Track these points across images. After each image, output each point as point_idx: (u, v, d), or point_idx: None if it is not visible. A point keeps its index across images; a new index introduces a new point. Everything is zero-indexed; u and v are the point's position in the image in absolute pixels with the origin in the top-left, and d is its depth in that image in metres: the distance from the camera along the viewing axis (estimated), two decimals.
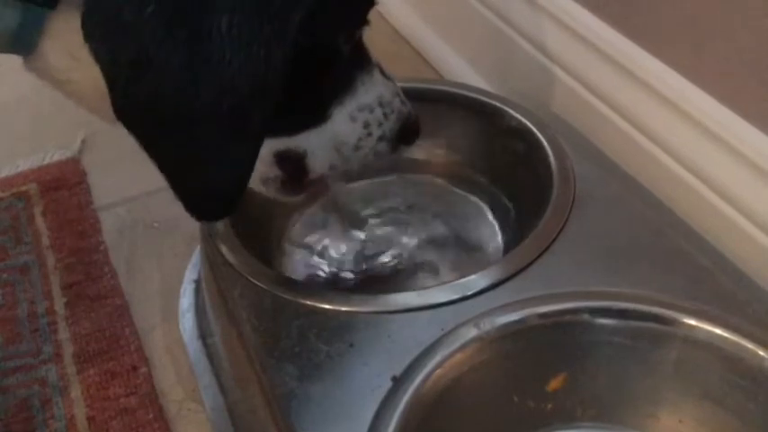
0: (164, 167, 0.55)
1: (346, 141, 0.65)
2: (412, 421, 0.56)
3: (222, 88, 0.51)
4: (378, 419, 0.56)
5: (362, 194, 0.87)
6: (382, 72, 0.67)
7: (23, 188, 1.02)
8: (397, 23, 1.27)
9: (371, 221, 0.84)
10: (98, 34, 0.50)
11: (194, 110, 0.51)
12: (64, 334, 0.83)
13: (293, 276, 0.79)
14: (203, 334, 0.80)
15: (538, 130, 0.79)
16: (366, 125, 0.65)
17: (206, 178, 0.56)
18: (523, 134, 0.80)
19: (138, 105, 0.51)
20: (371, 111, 0.65)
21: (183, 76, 0.50)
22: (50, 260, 0.92)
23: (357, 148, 0.66)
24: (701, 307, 0.61)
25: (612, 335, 0.62)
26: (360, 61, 0.65)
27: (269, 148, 0.63)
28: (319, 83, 0.62)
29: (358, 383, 0.58)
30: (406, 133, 0.69)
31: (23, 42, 0.55)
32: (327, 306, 0.64)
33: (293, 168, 0.65)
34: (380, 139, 0.67)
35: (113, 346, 0.82)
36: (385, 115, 0.66)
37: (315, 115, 0.63)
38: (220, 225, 0.72)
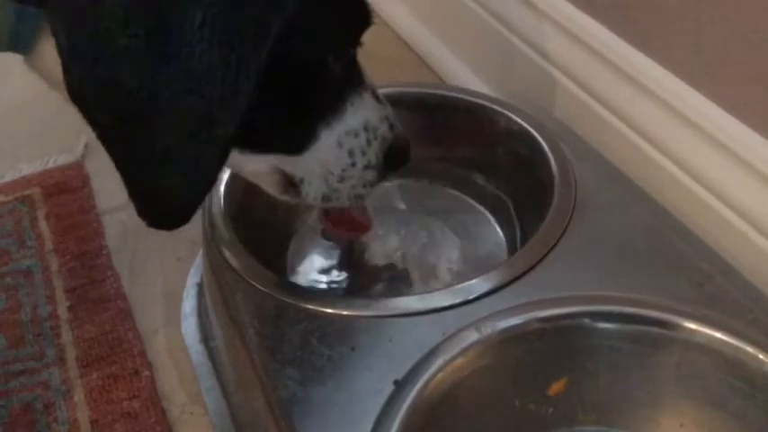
0: (119, 164, 0.52)
1: (332, 171, 0.63)
2: (414, 425, 0.56)
3: (187, 87, 0.48)
4: (379, 423, 0.56)
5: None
6: (375, 95, 0.64)
7: (27, 192, 1.03)
8: (399, 28, 1.28)
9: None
10: (59, 18, 0.48)
11: (154, 106, 0.48)
12: (67, 337, 0.83)
13: (295, 280, 0.79)
14: (206, 337, 0.80)
15: (539, 134, 0.79)
16: (351, 153, 0.63)
17: (161, 182, 0.52)
18: (525, 138, 0.81)
19: (93, 92, 0.49)
20: (356, 135, 0.62)
21: (145, 67, 0.47)
22: (54, 264, 0.92)
23: (342, 179, 0.63)
24: (702, 311, 0.61)
25: (613, 339, 0.62)
26: (351, 81, 0.62)
27: (266, 163, 0.62)
28: (306, 100, 0.60)
29: (360, 387, 0.59)
30: (392, 159, 0.66)
31: (21, 41, 0.55)
32: (329, 310, 0.64)
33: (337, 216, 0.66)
34: (366, 167, 0.64)
35: (116, 349, 0.82)
36: (368, 142, 0.63)
37: (303, 135, 0.61)
38: (223, 229, 0.72)
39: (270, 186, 0.66)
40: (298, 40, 0.54)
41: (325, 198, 0.65)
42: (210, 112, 0.49)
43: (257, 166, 0.64)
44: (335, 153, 0.62)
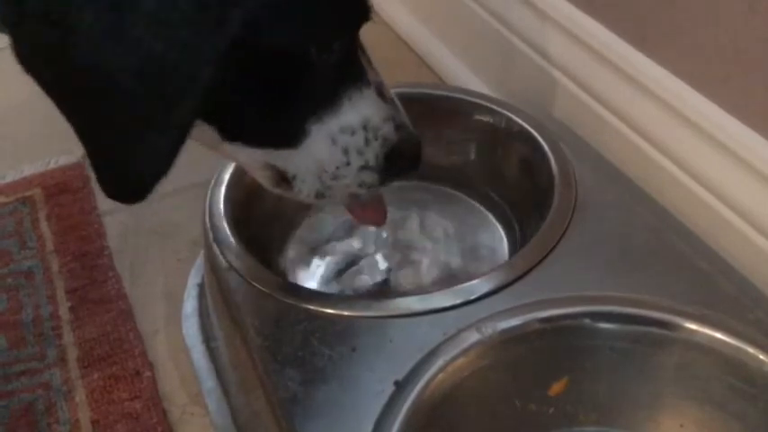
0: (79, 133, 0.51)
1: (326, 169, 0.60)
2: (414, 425, 0.56)
3: (140, 68, 0.47)
4: (380, 424, 0.56)
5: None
6: (381, 94, 0.61)
7: (28, 193, 1.03)
8: (399, 28, 1.28)
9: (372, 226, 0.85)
10: None
11: (107, 84, 0.47)
12: (68, 338, 0.83)
13: (297, 281, 0.79)
14: (207, 338, 0.80)
15: (539, 134, 0.80)
16: (345, 151, 0.60)
17: (117, 158, 0.52)
18: (525, 139, 0.81)
19: (43, 62, 0.47)
20: (353, 133, 0.59)
21: (97, 42, 0.46)
22: (55, 265, 0.92)
23: (336, 177, 0.61)
24: (702, 311, 0.62)
25: (614, 339, 0.62)
26: (350, 76, 0.59)
27: (257, 157, 0.61)
28: (288, 92, 0.57)
29: (361, 387, 0.59)
30: (396, 164, 0.62)
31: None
32: (330, 310, 0.64)
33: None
34: (363, 168, 0.61)
35: (117, 350, 0.82)
36: (366, 141, 0.60)
37: (290, 129, 0.59)
38: (224, 230, 0.72)
39: (262, 179, 0.64)
40: (274, 28, 0.52)
41: (319, 195, 0.62)
42: (166, 96, 0.48)
43: (248, 159, 0.62)
44: (329, 150, 0.59)
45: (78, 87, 0.49)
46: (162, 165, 0.52)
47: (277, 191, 0.64)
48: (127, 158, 0.52)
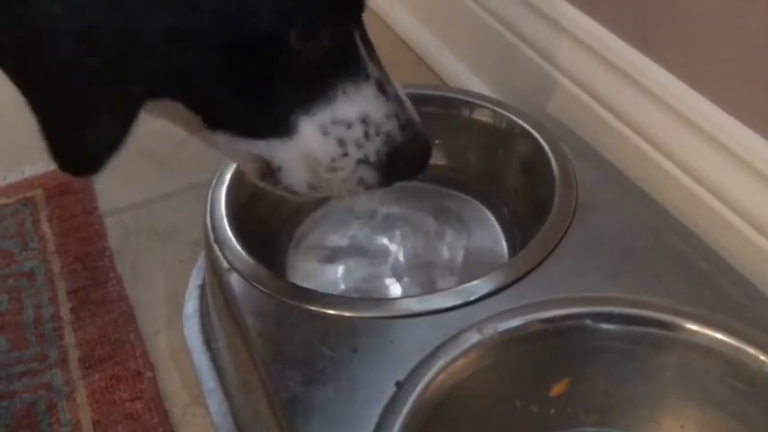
0: (31, 104, 0.51)
1: (320, 160, 0.58)
2: (415, 426, 0.56)
3: (83, 37, 0.47)
4: (381, 424, 0.56)
5: (363, 200, 0.87)
6: (382, 89, 0.59)
7: (29, 194, 1.03)
8: (399, 28, 1.28)
9: (372, 227, 0.85)
10: None
11: (52, 54, 0.47)
12: (69, 339, 0.84)
13: (298, 281, 0.79)
14: (208, 339, 0.80)
15: (540, 134, 0.80)
16: (341, 143, 0.58)
17: (64, 132, 0.51)
18: (526, 140, 0.81)
19: None
20: (349, 126, 0.57)
21: (43, 10, 0.46)
22: (56, 266, 0.92)
23: (332, 169, 0.59)
24: (703, 312, 0.62)
25: (614, 340, 0.62)
26: (348, 68, 0.57)
27: (243, 147, 0.59)
28: (272, 80, 0.55)
29: (362, 388, 0.59)
30: (399, 163, 0.60)
31: None
32: (331, 311, 0.64)
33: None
34: (362, 162, 0.59)
35: (118, 351, 0.82)
36: (366, 135, 0.58)
37: (275, 119, 0.56)
38: (225, 230, 0.72)
39: (248, 173, 0.63)
40: (248, 9, 0.50)
41: (311, 187, 0.60)
42: (112, 69, 0.48)
43: (231, 148, 0.60)
44: (321, 141, 0.57)
45: (26, 56, 0.48)
46: (111, 141, 0.51)
47: (262, 184, 0.63)
48: (73, 133, 0.51)
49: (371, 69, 0.59)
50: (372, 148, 0.59)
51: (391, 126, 0.59)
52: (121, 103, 0.51)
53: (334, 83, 0.57)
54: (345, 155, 0.58)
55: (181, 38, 0.50)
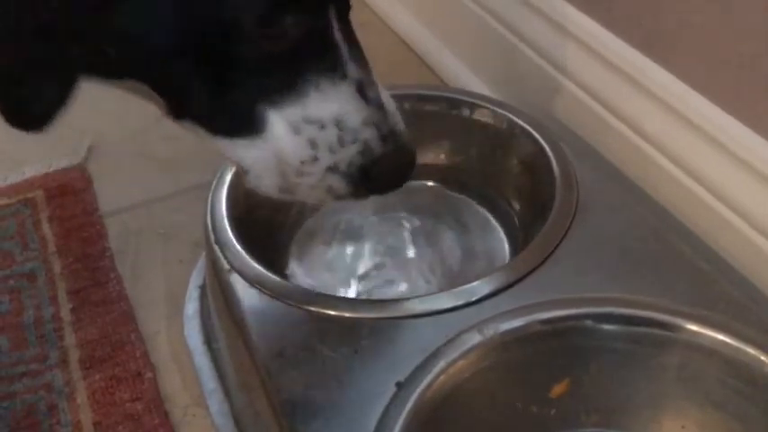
0: None
1: (289, 162, 0.55)
2: (416, 427, 0.56)
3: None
4: (382, 425, 0.56)
5: (362, 200, 0.87)
6: (362, 93, 0.55)
7: (30, 195, 1.03)
8: (401, 30, 1.28)
9: (373, 228, 0.85)
10: None
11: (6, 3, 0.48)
12: (70, 340, 0.84)
13: (298, 282, 0.79)
14: (208, 339, 0.80)
15: (540, 136, 0.80)
16: (313, 144, 0.54)
17: (12, 84, 0.52)
18: (526, 140, 0.81)
19: None
20: (322, 127, 0.54)
21: None
22: (56, 266, 0.92)
23: (300, 173, 0.55)
24: (704, 312, 0.62)
25: (615, 341, 0.62)
26: (323, 63, 0.54)
27: (217, 149, 0.57)
28: (232, 69, 0.52)
29: (362, 389, 0.59)
30: (375, 177, 0.56)
31: None
32: (332, 312, 0.64)
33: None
34: (331, 170, 0.55)
35: (119, 351, 0.82)
36: (340, 140, 0.55)
37: (241, 114, 0.54)
38: (226, 231, 0.72)
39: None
40: None
41: (282, 191, 0.57)
42: (54, 31, 0.49)
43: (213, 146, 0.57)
44: (290, 140, 0.54)
45: None
46: (48, 100, 0.52)
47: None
48: (17, 89, 0.52)
49: (351, 69, 0.55)
50: (346, 155, 0.55)
51: (369, 135, 0.56)
52: (62, 63, 0.51)
53: (306, 76, 0.54)
54: (316, 159, 0.55)
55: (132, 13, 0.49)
